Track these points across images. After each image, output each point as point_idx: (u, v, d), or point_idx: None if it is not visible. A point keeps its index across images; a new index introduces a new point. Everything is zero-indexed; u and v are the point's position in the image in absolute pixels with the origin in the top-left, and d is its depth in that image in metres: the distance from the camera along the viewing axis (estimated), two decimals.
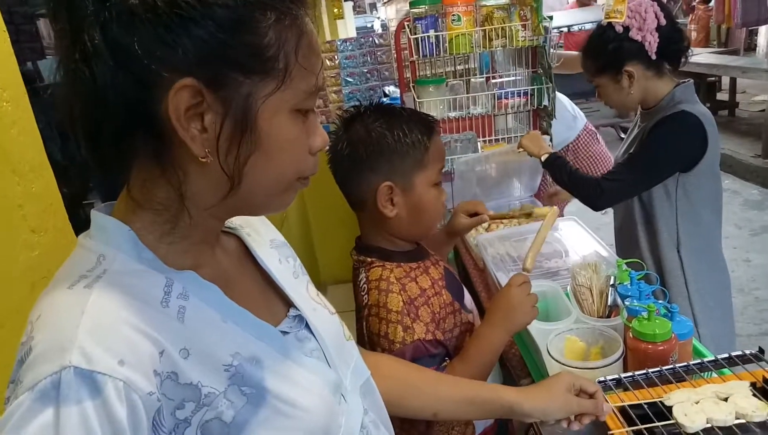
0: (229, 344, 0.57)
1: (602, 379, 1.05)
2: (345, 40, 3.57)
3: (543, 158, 1.88)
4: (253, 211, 0.66)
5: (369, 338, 1.17)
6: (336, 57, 3.46)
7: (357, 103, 1.24)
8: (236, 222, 0.74)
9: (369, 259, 1.21)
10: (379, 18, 9.62)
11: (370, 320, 1.15)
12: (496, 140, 2.30)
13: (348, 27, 6.41)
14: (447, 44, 2.01)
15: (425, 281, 1.20)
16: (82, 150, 0.54)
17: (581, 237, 1.82)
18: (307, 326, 0.69)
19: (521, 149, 1.98)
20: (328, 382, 0.65)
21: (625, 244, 1.87)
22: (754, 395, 0.93)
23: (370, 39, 3.47)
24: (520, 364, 1.44)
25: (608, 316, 1.31)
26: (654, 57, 1.67)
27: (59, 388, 0.45)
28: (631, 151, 1.78)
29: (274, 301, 0.70)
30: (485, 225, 2.23)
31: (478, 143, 2.20)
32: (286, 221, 2.93)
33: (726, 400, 0.93)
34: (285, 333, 0.66)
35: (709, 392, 0.94)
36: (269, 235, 0.79)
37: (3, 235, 0.85)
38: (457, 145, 2.10)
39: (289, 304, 0.70)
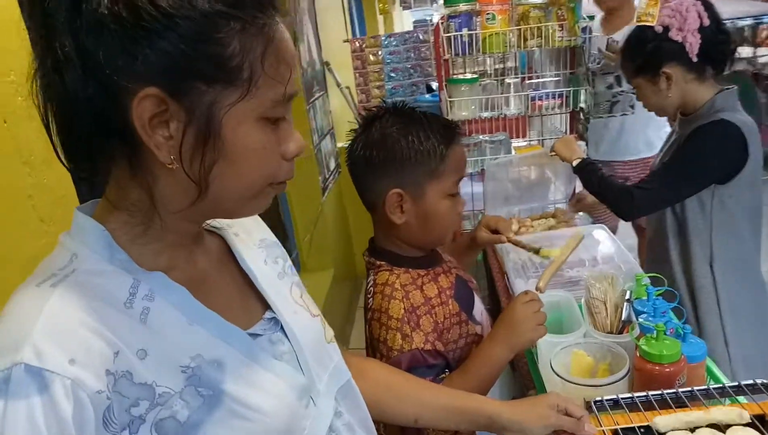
0: (190, 346, 0.58)
1: (599, 398, 1.01)
2: (390, 36, 3.57)
3: (574, 163, 1.82)
4: (225, 215, 0.67)
5: (370, 342, 1.17)
6: (380, 52, 3.46)
7: (381, 104, 1.21)
8: (224, 222, 0.75)
9: (378, 263, 1.20)
10: (437, 12, 9.51)
11: (372, 324, 1.15)
12: (530, 142, 2.24)
13: (395, 22, 6.38)
14: (481, 43, 1.97)
15: (432, 290, 1.18)
16: (57, 151, 0.56)
17: (609, 247, 1.76)
18: (283, 329, 0.69)
19: (554, 153, 1.93)
20: (294, 386, 0.65)
21: (655, 257, 1.79)
22: (756, 428, 0.88)
23: (415, 34, 3.45)
24: (528, 375, 1.41)
25: (621, 332, 1.27)
26: (695, 59, 1.58)
27: (9, 382, 0.47)
28: (666, 159, 1.70)
29: (251, 302, 0.71)
30: (515, 227, 2.19)
31: (511, 145, 2.16)
32: (322, 215, 2.97)
33: (724, 431, 0.88)
34: (258, 335, 0.67)
35: (700, 419, 0.89)
36: (260, 235, 0.80)
37: (11, 224, 0.90)
38: (488, 146, 2.06)
39: (267, 305, 0.71)
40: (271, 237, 0.82)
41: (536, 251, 1.37)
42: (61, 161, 0.57)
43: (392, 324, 1.10)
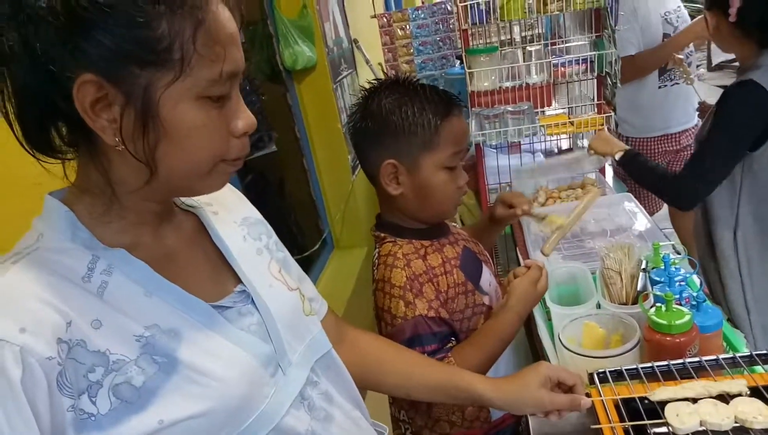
0: (146, 317, 0.61)
1: (602, 370, 0.99)
2: (417, 8, 3.51)
3: (618, 157, 1.74)
4: (184, 193, 0.71)
5: (376, 313, 1.19)
6: (408, 26, 3.42)
7: (388, 77, 1.22)
8: (202, 200, 0.78)
9: (383, 235, 1.22)
10: None
11: (377, 294, 1.17)
12: (557, 111, 2.18)
13: None
14: (499, 11, 1.91)
15: (435, 259, 1.18)
16: (21, 140, 0.60)
17: (633, 216, 1.70)
18: (254, 302, 0.72)
19: (592, 151, 1.86)
20: (256, 355, 0.68)
21: (681, 223, 1.72)
22: (762, 399, 0.84)
23: (443, 6, 3.38)
24: (541, 345, 1.39)
25: (636, 303, 1.23)
26: (732, 18, 1.49)
27: None
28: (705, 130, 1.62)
29: (223, 276, 0.73)
30: (542, 199, 2.15)
31: (536, 115, 2.10)
32: (352, 193, 2.99)
33: (728, 402, 0.85)
34: (226, 308, 0.69)
35: (701, 390, 0.86)
36: (243, 213, 0.83)
37: (19, 212, 0.95)
38: (510, 117, 2.01)
39: (240, 280, 0.74)
40: (256, 215, 0.85)
41: (542, 219, 1.34)
42: (26, 150, 0.61)
43: (395, 292, 1.12)
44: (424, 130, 1.12)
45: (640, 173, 1.71)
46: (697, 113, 2.38)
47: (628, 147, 1.76)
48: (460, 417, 1.21)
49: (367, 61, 3.48)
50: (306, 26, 2.57)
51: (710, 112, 1.64)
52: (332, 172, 2.91)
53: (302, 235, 2.87)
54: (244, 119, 0.64)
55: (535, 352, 1.50)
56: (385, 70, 3.59)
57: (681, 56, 2.27)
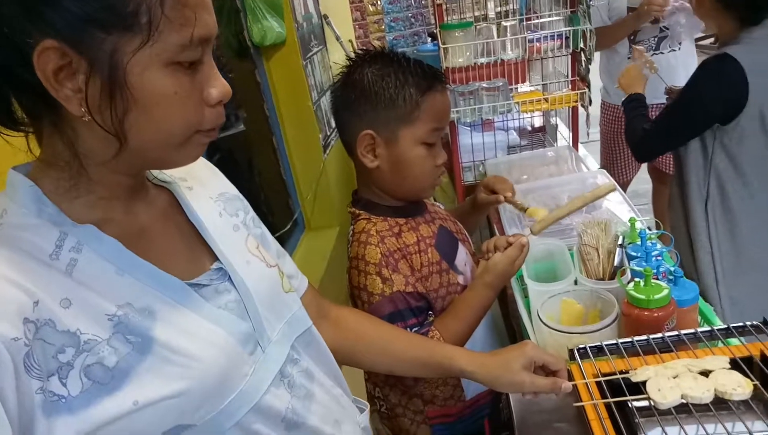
0: (118, 295, 0.59)
1: (582, 346, 0.99)
2: None
3: (624, 97, 1.79)
4: (157, 166, 0.67)
5: (350, 291, 1.17)
6: (379, 2, 3.35)
7: (375, 48, 1.21)
8: (175, 175, 0.75)
9: (358, 212, 1.21)
10: None
11: (351, 272, 1.15)
12: (531, 88, 2.16)
13: None
14: None
15: (410, 238, 1.17)
16: None
17: (611, 196, 1.70)
18: (231, 279, 0.70)
19: (618, 86, 1.89)
20: (234, 333, 0.66)
21: (657, 197, 1.74)
22: (740, 371, 0.85)
23: None
24: (518, 325, 1.39)
25: (614, 278, 1.23)
26: None
27: None
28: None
29: (199, 253, 0.71)
30: (525, 177, 2.13)
31: (510, 91, 2.08)
32: (324, 173, 2.94)
33: (707, 375, 0.85)
34: (203, 285, 0.67)
35: (682, 367, 0.86)
36: (219, 189, 0.80)
37: None
38: (485, 93, 1.99)
39: (217, 256, 0.71)
40: (232, 190, 0.83)
41: (524, 210, 1.33)
42: None
43: (370, 269, 1.11)
44: (405, 102, 1.10)
45: (630, 116, 1.75)
46: (666, 97, 2.40)
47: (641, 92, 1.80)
48: (434, 395, 1.21)
49: (338, 38, 3.41)
50: (275, 0, 2.48)
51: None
52: (303, 152, 2.85)
53: (272, 215, 2.81)
54: (219, 87, 0.60)
55: (511, 331, 1.50)
56: (356, 48, 3.52)
57: (641, 48, 2.24)
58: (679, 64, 2.50)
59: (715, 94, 1.47)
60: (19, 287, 0.53)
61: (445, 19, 2.13)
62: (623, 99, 1.80)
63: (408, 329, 1.08)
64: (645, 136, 1.63)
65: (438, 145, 1.17)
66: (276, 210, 2.83)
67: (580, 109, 2.16)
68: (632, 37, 2.50)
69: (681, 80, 2.53)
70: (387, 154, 1.13)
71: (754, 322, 0.95)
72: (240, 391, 0.64)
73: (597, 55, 2.65)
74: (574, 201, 1.31)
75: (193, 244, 0.71)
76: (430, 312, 1.15)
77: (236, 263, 0.71)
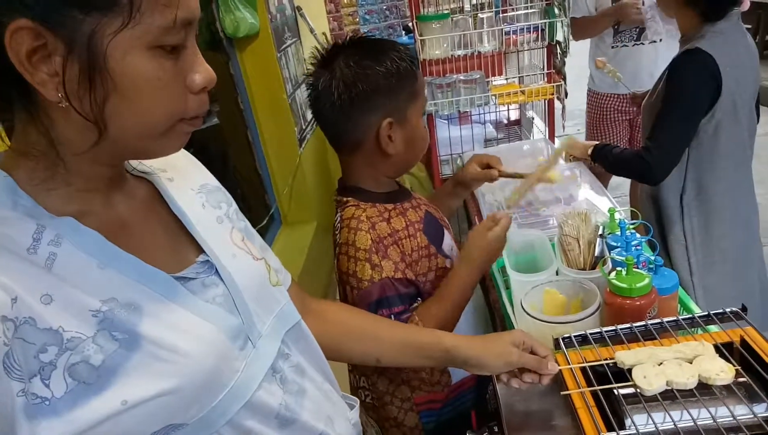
0: (102, 290, 0.56)
1: (567, 335, 0.99)
2: None
3: (590, 152, 1.72)
4: (138, 156, 0.65)
5: (339, 277, 1.17)
6: None
7: (330, 44, 1.14)
8: (155, 165, 0.72)
9: (345, 199, 1.19)
10: None
11: (341, 258, 1.14)
12: (507, 80, 2.17)
13: None
14: None
15: (399, 223, 1.17)
16: None
17: (588, 185, 1.72)
18: (218, 272, 0.68)
19: (571, 158, 1.82)
20: (224, 328, 0.64)
21: (634, 188, 1.76)
22: (723, 356, 0.86)
23: None
24: (501, 318, 1.39)
25: (594, 268, 1.24)
26: None
27: None
28: (658, 103, 1.62)
29: (183, 246, 0.68)
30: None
31: (487, 84, 2.08)
32: (300, 167, 2.90)
33: (691, 362, 0.86)
34: (189, 279, 0.65)
35: (669, 354, 0.87)
36: (200, 180, 0.77)
37: None
38: (462, 86, 1.98)
39: (202, 249, 0.69)
40: (213, 182, 0.80)
41: (522, 177, 1.34)
42: None
43: (360, 255, 1.10)
44: (408, 80, 1.11)
45: (611, 161, 1.69)
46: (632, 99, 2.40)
47: (594, 143, 1.76)
48: (421, 379, 1.22)
49: (312, 30, 3.36)
50: None
51: (659, 81, 1.66)
52: (278, 146, 2.81)
53: (248, 211, 2.77)
54: (203, 73, 0.58)
55: (495, 322, 1.50)
56: (330, 40, 3.49)
57: (603, 59, 2.24)
58: (660, 56, 2.50)
59: (696, 88, 1.49)
60: None
61: (422, 10, 2.12)
62: (590, 154, 1.73)
63: (392, 316, 1.07)
64: (651, 156, 1.56)
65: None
66: (252, 205, 2.79)
67: (556, 102, 2.17)
68: (616, 27, 2.52)
69: (627, 75, 2.51)
70: (401, 135, 1.13)
71: (733, 309, 0.97)
72: (232, 387, 0.63)
73: (587, 43, 2.68)
74: (531, 175, 1.31)
75: (176, 236, 0.68)
76: (418, 298, 1.15)
77: (222, 256, 0.69)
